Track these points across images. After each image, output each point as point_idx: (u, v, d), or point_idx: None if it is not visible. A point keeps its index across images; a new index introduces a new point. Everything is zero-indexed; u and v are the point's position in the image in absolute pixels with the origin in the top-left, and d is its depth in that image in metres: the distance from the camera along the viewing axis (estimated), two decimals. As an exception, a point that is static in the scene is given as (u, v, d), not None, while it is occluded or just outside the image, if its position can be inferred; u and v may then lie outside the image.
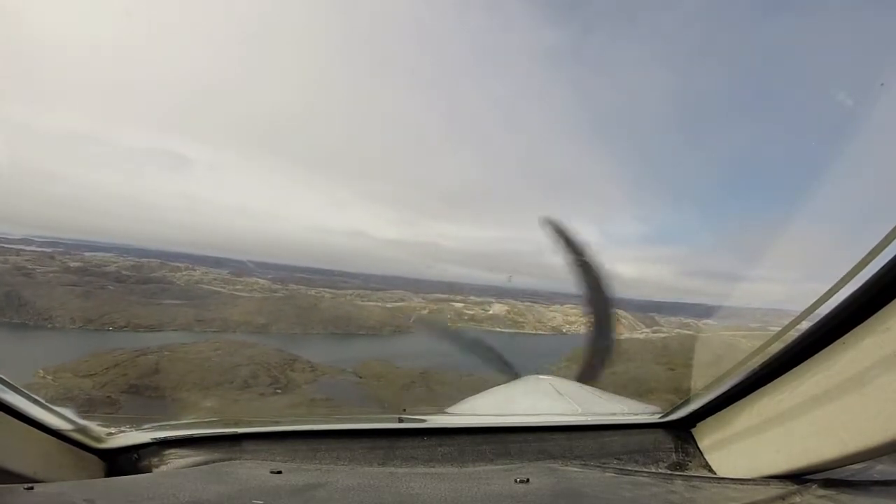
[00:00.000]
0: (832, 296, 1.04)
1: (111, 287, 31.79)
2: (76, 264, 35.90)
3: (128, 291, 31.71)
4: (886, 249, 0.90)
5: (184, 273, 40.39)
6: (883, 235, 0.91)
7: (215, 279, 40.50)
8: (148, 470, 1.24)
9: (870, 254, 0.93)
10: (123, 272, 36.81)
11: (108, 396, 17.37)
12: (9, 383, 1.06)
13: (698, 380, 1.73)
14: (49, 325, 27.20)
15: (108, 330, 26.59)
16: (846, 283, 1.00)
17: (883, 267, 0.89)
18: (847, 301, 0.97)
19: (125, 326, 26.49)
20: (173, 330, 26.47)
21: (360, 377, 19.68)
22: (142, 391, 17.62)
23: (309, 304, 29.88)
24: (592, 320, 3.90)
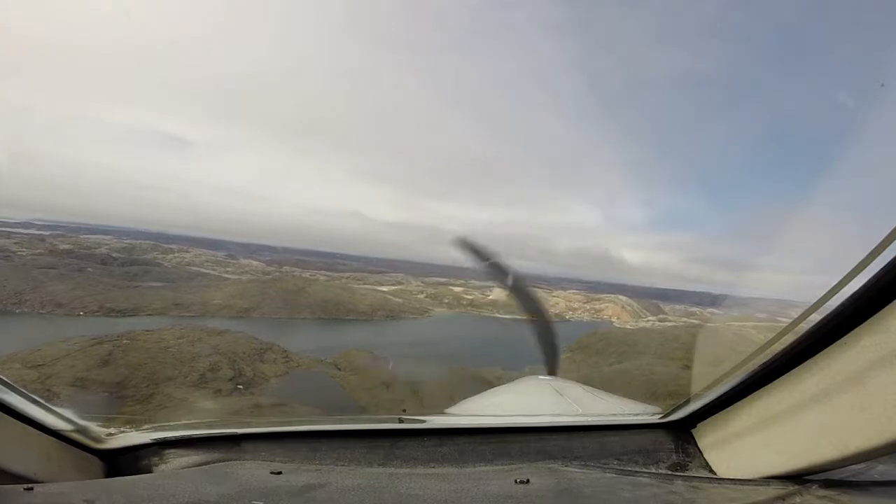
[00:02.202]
0: (832, 296, 1.01)
1: (90, 269, 29.06)
2: (66, 247, 33.17)
3: (107, 274, 29.09)
4: (887, 250, 0.88)
5: (175, 255, 37.67)
6: (883, 235, 0.89)
7: (207, 261, 37.74)
8: (148, 470, 1.19)
9: (870, 254, 0.91)
10: (113, 254, 34.07)
11: (47, 391, 14.38)
12: (8, 383, 1.03)
13: (699, 380, 1.58)
14: (17, 310, 24.51)
15: (79, 315, 24.06)
16: (846, 284, 0.97)
17: (883, 267, 0.87)
18: (847, 302, 0.94)
19: (97, 311, 23.94)
20: (147, 315, 23.93)
21: (339, 369, 16.91)
22: (87, 385, 14.96)
23: (297, 287, 27.31)
24: (529, 314, 3.85)
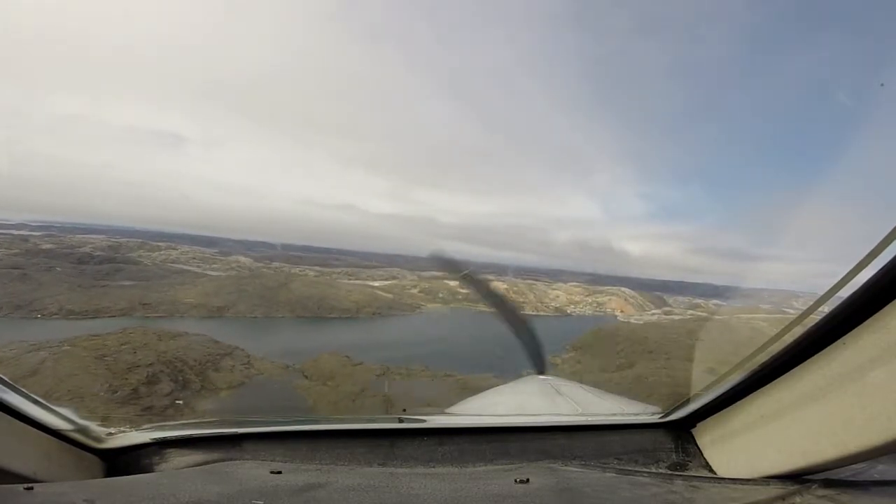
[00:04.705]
0: (831, 296, 1.00)
1: (59, 269, 26.13)
2: (48, 246, 30.27)
3: (78, 273, 26.18)
4: (887, 250, 0.86)
5: (162, 252, 34.86)
6: (883, 233, 0.87)
7: (194, 258, 34.91)
8: (148, 470, 1.17)
9: (869, 254, 0.90)
10: (95, 253, 31.13)
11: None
12: (8, 383, 1.01)
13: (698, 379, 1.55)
14: (-30, 315, 21.64)
15: (36, 318, 21.13)
16: (845, 284, 0.96)
17: (883, 267, 0.85)
18: (847, 301, 0.92)
19: (55, 313, 21.26)
20: (110, 316, 21.18)
21: (307, 377, 14.05)
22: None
23: (277, 283, 24.52)
24: (505, 318, 3.69)
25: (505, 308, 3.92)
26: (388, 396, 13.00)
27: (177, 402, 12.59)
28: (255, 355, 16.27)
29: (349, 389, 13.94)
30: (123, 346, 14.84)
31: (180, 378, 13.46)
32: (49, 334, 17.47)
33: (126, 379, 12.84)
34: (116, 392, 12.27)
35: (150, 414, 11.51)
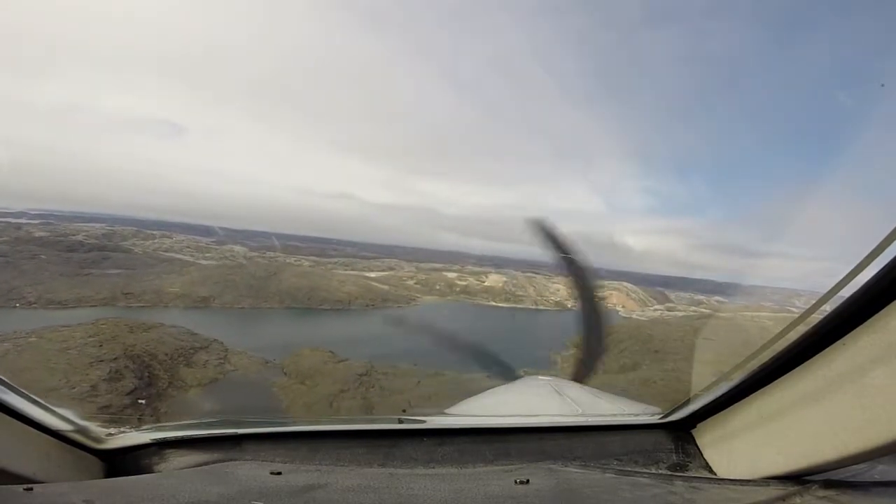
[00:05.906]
0: (832, 296, 1.00)
1: (43, 256, 25.01)
2: (40, 234, 29.02)
3: (63, 261, 25.04)
4: (886, 250, 0.87)
5: (156, 241, 33.68)
6: (884, 233, 0.88)
7: (188, 247, 33.79)
8: (148, 471, 1.17)
9: (869, 255, 0.90)
10: (87, 241, 29.95)
11: None
12: (8, 383, 1.01)
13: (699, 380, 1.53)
14: (-58, 304, 20.73)
15: (14, 307, 20.07)
16: (845, 285, 0.96)
17: (883, 268, 0.86)
18: (847, 302, 0.93)
19: (34, 303, 20.19)
20: (91, 306, 20.02)
21: (285, 374, 12.92)
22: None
23: (267, 272, 23.28)
24: (583, 318, 3.67)
25: (590, 308, 3.72)
26: (367, 399, 11.94)
27: (139, 400, 11.59)
28: (233, 349, 15.23)
29: (327, 390, 12.85)
30: (90, 339, 13.83)
31: (146, 374, 12.44)
32: (21, 325, 16.54)
33: (86, 374, 11.85)
34: (74, 388, 11.25)
35: (108, 413, 10.53)
